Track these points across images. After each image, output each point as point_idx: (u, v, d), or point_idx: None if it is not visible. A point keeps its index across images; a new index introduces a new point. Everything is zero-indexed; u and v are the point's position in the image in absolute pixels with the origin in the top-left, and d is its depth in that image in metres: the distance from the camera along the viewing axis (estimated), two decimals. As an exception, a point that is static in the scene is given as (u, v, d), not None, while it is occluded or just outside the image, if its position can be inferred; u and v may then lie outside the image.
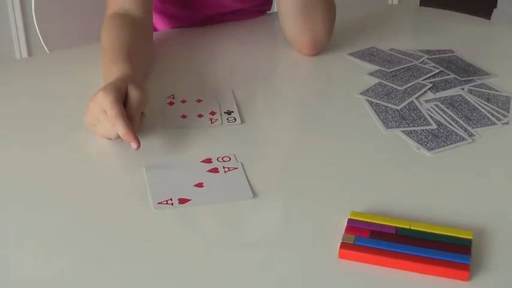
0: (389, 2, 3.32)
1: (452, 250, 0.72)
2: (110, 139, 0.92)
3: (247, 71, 1.19)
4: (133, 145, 0.87)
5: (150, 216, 0.78)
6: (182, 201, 0.80)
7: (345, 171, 0.89)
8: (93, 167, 0.90)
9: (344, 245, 0.72)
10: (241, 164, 0.87)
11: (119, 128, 0.87)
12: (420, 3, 3.42)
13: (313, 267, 0.71)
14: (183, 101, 1.04)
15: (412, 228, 0.75)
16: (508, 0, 4.06)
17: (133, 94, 0.91)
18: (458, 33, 1.40)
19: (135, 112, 0.91)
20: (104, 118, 0.89)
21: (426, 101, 1.07)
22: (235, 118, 0.99)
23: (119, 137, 0.89)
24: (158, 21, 1.40)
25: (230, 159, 0.88)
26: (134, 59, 1.03)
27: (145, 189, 0.82)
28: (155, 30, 1.40)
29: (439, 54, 1.25)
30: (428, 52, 1.26)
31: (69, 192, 0.83)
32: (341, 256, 0.72)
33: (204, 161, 0.88)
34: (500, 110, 1.06)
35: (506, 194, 0.86)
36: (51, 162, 0.89)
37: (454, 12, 1.55)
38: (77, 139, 0.94)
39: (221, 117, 0.99)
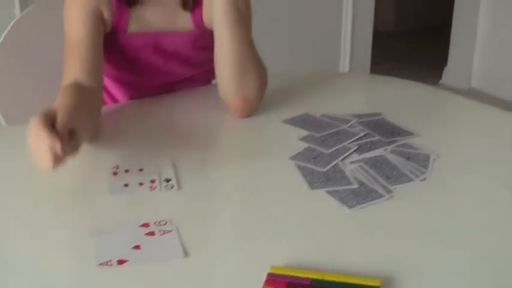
0: (340, 70, 3.46)
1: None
2: (50, 166, 1.00)
3: (189, 139, 1.29)
4: (58, 146, 0.97)
5: (93, 275, 0.86)
6: (120, 262, 0.88)
7: (271, 228, 0.97)
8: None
9: (264, 296, 0.80)
10: (176, 227, 0.96)
11: (43, 135, 0.98)
12: (371, 70, 3.58)
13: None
14: (126, 171, 1.12)
15: (325, 279, 0.83)
16: (457, 58, 4.23)
17: (60, 115, 1.03)
18: (390, 96, 1.52)
19: (61, 128, 1.01)
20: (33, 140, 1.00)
21: (351, 162, 1.17)
22: (172, 185, 1.08)
23: (57, 160, 0.99)
24: (115, 89, 1.51)
25: (166, 223, 0.97)
26: (76, 114, 1.12)
27: (89, 251, 0.90)
28: (114, 99, 1.53)
29: (368, 117, 1.36)
30: (358, 116, 1.36)
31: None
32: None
33: (142, 225, 0.97)
34: (419, 167, 1.16)
35: (415, 244, 0.95)
36: None
37: (395, 78, 1.67)
38: (23, 216, 1.02)
39: (160, 185, 1.07)
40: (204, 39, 1.46)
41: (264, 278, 0.83)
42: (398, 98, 1.56)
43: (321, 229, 0.98)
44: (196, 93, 1.52)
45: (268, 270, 0.85)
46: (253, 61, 1.38)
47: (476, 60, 4.21)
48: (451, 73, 4.30)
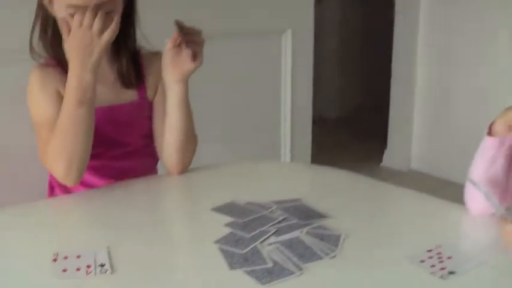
0: (282, 159, 3.63)
1: None
2: None
3: (124, 227, 1.42)
4: None
5: None
6: None
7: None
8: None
9: None
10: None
11: None
12: (313, 158, 3.76)
13: None
14: (65, 257, 1.25)
15: None
16: (396, 140, 4.44)
17: None
18: (311, 183, 1.70)
19: None
20: None
21: (269, 244, 1.31)
22: (106, 269, 1.21)
23: None
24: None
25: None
26: None
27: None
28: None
29: (287, 203, 1.51)
30: (278, 202, 1.51)
31: None
32: None
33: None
34: (330, 246, 1.31)
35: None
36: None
37: (320, 166, 1.86)
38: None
39: (95, 269, 1.20)
40: (149, 109, 1.74)
41: None
42: (320, 184, 1.73)
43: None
44: (134, 186, 1.66)
45: None
46: (193, 136, 1.71)
47: (414, 142, 4.43)
48: (391, 155, 4.50)
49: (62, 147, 1.54)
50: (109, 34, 1.53)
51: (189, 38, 1.58)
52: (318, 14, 5.17)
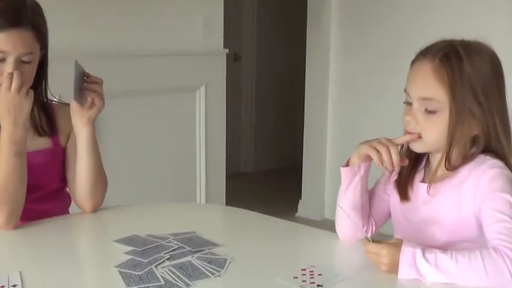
0: (197, 201, 3.82)
1: None
2: None
3: (37, 256, 1.60)
4: None
5: None
6: None
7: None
8: None
9: None
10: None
11: None
12: (227, 202, 3.96)
13: None
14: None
15: None
16: (310, 192, 4.69)
17: None
18: (209, 219, 1.90)
19: None
20: None
21: (163, 267, 1.50)
22: (18, 291, 1.38)
23: None
24: None
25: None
26: None
27: None
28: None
29: (183, 235, 1.70)
30: (175, 234, 1.70)
31: None
32: None
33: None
34: (217, 268, 1.50)
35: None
36: None
37: (235, 208, 2.09)
38: None
39: (7, 289, 1.37)
40: (62, 154, 1.91)
41: None
42: (218, 220, 1.94)
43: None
44: (48, 223, 1.84)
45: None
46: (103, 175, 1.91)
47: (326, 192, 4.68)
48: (305, 206, 4.75)
49: (3, 196, 1.72)
50: (32, 93, 1.73)
51: (91, 87, 1.80)
52: (235, 71, 5.48)
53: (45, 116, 1.89)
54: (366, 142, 1.60)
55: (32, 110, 1.81)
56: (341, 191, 1.68)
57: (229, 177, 4.16)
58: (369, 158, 1.60)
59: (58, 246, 1.68)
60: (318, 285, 1.43)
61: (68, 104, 1.86)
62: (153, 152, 3.52)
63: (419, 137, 1.57)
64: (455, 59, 1.53)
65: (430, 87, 1.54)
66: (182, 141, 3.73)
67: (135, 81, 3.37)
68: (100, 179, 1.90)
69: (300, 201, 4.78)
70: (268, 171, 5.93)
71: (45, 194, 1.91)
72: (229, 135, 4.12)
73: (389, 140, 1.58)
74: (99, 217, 1.92)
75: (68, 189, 1.96)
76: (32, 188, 1.83)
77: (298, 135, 4.84)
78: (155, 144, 3.55)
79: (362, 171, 1.64)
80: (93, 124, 1.86)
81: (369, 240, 1.50)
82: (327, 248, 1.71)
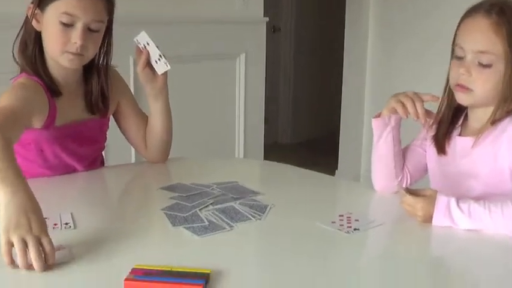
0: (236, 156, 3.89)
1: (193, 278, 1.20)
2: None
3: (88, 201, 1.68)
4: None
5: None
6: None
7: (130, 248, 1.36)
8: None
9: (127, 279, 1.19)
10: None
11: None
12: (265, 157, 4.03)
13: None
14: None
15: (172, 269, 1.22)
16: (346, 162, 4.72)
17: None
18: (251, 171, 1.97)
19: None
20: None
21: (207, 211, 1.58)
22: (70, 226, 1.45)
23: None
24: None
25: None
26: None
27: None
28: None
29: (226, 184, 1.78)
30: (218, 183, 1.78)
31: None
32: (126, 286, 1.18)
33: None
34: (258, 213, 1.57)
35: (244, 262, 1.35)
36: None
37: (277, 163, 2.14)
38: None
39: (61, 226, 1.45)
40: (107, 125, 1.94)
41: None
42: (260, 173, 2.01)
43: (173, 250, 1.38)
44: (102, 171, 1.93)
45: (134, 266, 1.23)
46: (171, 133, 1.98)
47: (363, 163, 4.72)
48: (341, 176, 4.78)
49: None
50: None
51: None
52: (274, 42, 5.52)
53: (101, 96, 1.85)
54: (394, 95, 1.66)
55: (89, 85, 1.83)
56: (374, 142, 1.75)
57: (267, 147, 4.22)
58: (397, 111, 1.66)
59: (107, 192, 1.77)
60: (355, 229, 1.49)
61: (112, 69, 1.89)
62: (193, 119, 3.56)
63: (467, 88, 1.61)
64: (511, 13, 1.56)
65: (487, 40, 1.57)
66: (222, 109, 3.78)
67: (174, 48, 3.43)
68: (170, 137, 2.00)
69: (336, 171, 4.82)
70: (305, 141, 5.98)
71: (98, 148, 1.98)
72: (267, 105, 4.17)
73: (416, 93, 1.63)
74: (145, 167, 2.01)
75: (135, 147, 2.05)
76: (81, 157, 1.89)
77: (336, 106, 4.87)
78: (195, 111, 3.59)
79: (393, 123, 1.70)
80: (165, 91, 1.90)
81: (405, 192, 1.55)
82: (364, 199, 1.78)
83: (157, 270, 1.22)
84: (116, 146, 2.15)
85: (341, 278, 1.26)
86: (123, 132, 2.01)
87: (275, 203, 1.64)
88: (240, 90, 3.82)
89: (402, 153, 1.77)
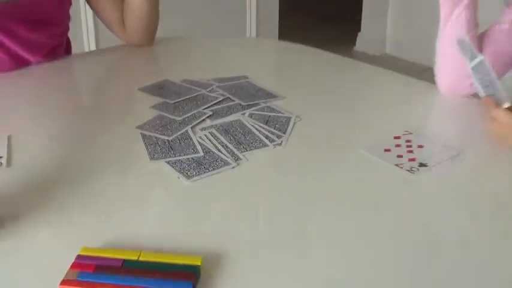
0: (247, 35, 3.39)
1: (178, 277, 0.72)
2: None
3: (31, 117, 1.17)
4: None
5: None
6: None
7: (91, 205, 0.87)
8: None
9: (64, 282, 0.71)
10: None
11: None
12: (280, 36, 3.51)
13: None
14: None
15: (140, 259, 0.74)
16: (370, 24, 4.20)
17: None
18: (267, 59, 1.45)
19: None
20: None
21: (202, 129, 1.08)
22: (1, 162, 0.97)
23: None
24: None
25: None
26: None
27: None
28: None
29: (230, 81, 1.27)
30: (220, 80, 1.27)
31: None
32: (62, 294, 0.70)
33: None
34: (276, 131, 1.07)
35: (248, 219, 0.87)
36: None
37: (286, 42, 1.59)
38: None
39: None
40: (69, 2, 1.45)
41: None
42: (276, 59, 1.48)
43: (148, 204, 0.89)
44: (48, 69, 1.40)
45: (78, 253, 0.75)
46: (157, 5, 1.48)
47: (389, 25, 4.19)
48: (364, 39, 4.27)
49: None
50: None
51: None
52: None
53: None
54: None
55: None
56: (440, 26, 1.22)
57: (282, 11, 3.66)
58: None
59: (65, 96, 1.26)
60: (421, 164, 1.00)
61: None
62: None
63: None
64: None
65: None
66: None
67: None
68: (157, 11, 1.50)
69: (359, 33, 4.29)
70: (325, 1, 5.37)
71: (58, 32, 1.47)
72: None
73: None
74: (123, 55, 1.49)
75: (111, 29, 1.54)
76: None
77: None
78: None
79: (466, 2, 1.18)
80: None
81: (495, 104, 1.05)
82: (425, 106, 1.26)
83: (114, 259, 0.74)
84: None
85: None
86: (95, 12, 1.52)
87: (300, 112, 1.15)
88: None
89: (480, 41, 1.24)
